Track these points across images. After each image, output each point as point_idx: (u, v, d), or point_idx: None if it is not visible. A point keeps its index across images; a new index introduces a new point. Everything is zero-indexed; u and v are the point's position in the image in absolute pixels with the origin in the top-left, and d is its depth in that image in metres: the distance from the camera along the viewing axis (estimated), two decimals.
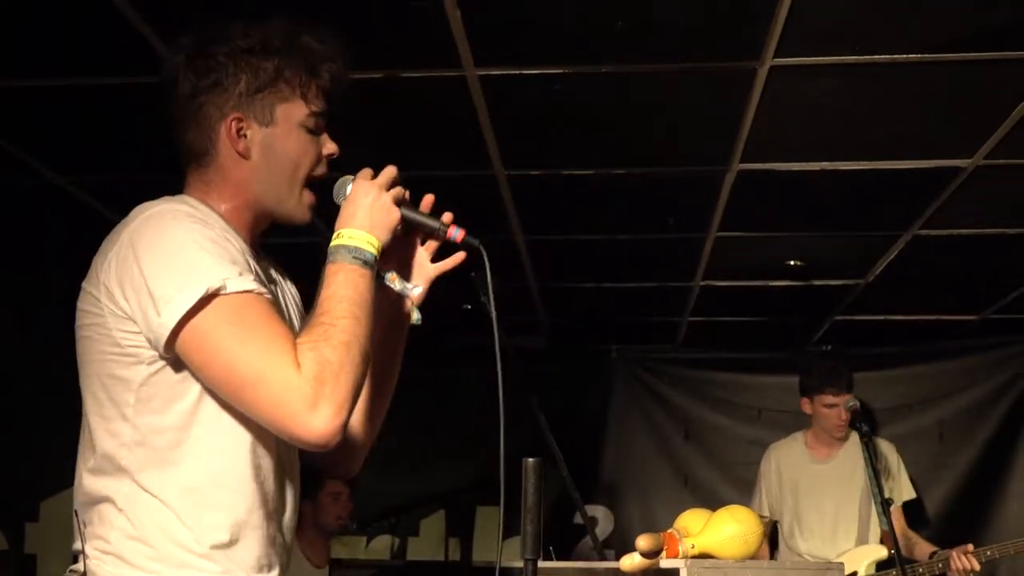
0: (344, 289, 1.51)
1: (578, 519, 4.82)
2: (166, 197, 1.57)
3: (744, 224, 3.86)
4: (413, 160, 3.28)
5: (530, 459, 1.36)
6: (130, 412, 1.51)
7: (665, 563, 2.13)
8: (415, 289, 1.74)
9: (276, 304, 1.58)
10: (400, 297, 1.74)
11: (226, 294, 1.44)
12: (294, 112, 1.60)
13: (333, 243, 1.56)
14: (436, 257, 1.78)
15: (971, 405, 5.23)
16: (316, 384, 1.41)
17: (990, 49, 2.56)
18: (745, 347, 5.54)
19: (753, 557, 2.25)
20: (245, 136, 1.58)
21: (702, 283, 4.58)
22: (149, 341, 1.47)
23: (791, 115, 2.95)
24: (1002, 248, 4.03)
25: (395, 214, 1.62)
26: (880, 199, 3.57)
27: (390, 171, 1.66)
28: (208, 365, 1.45)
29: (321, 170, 1.65)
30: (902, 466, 4.25)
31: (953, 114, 2.94)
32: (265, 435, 1.55)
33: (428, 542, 5.47)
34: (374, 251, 1.56)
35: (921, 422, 5.12)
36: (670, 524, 2.31)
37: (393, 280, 1.70)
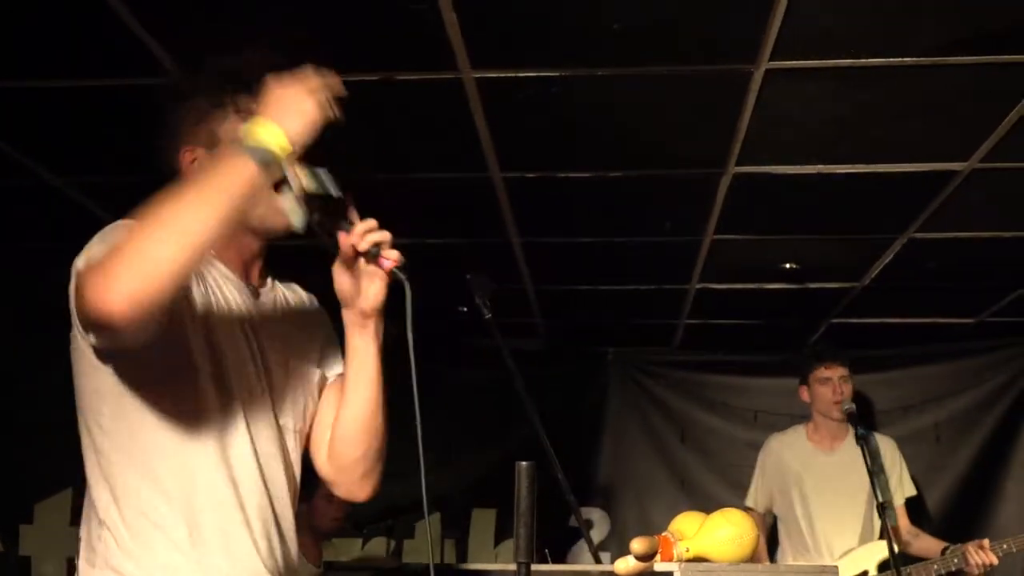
0: (200, 174, 1.52)
1: (574, 522, 4.83)
2: None
3: (740, 227, 3.86)
4: (410, 163, 3.31)
5: (523, 463, 1.36)
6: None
7: (659, 566, 2.13)
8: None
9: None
10: (367, 315, 1.73)
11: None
12: (232, 128, 1.65)
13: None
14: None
15: (968, 407, 5.24)
16: (107, 259, 1.40)
17: (985, 53, 2.57)
18: (741, 350, 5.55)
19: (750, 559, 2.25)
20: (196, 162, 1.69)
21: (698, 286, 4.58)
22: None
23: (787, 118, 2.96)
24: (998, 251, 4.04)
25: (309, 110, 1.52)
26: (876, 202, 3.58)
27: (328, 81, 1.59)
28: None
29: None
30: (903, 463, 4.20)
31: (948, 117, 2.94)
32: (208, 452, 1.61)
33: (423, 544, 5.46)
34: (267, 141, 1.47)
35: (918, 424, 5.12)
36: (666, 527, 2.32)
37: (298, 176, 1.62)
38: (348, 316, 1.75)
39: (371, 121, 3.00)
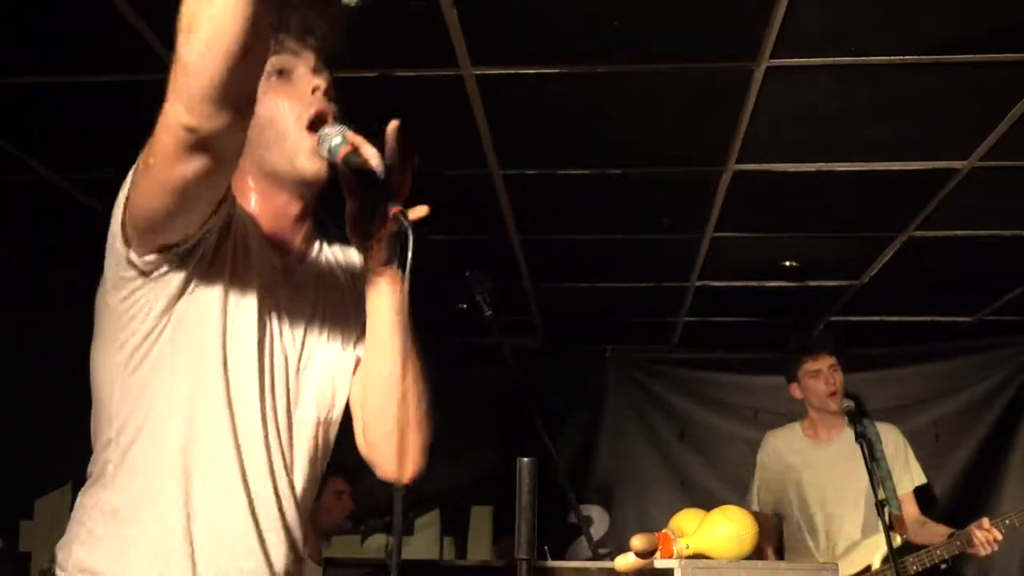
0: None
1: (573, 519, 4.83)
2: None
3: (740, 225, 3.86)
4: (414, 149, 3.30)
5: (524, 459, 1.35)
6: None
7: (660, 563, 2.13)
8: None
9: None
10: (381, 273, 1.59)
11: None
12: None
13: None
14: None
15: (966, 405, 5.24)
16: (170, 89, 1.28)
17: (986, 51, 2.57)
18: (741, 347, 5.55)
19: (760, 555, 2.25)
20: None
21: (698, 283, 4.59)
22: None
23: (787, 116, 2.96)
24: (997, 250, 4.04)
25: None
26: (875, 200, 3.58)
27: None
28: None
29: (315, 107, 1.57)
30: (909, 450, 4.09)
31: (948, 116, 2.95)
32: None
33: (423, 541, 5.47)
34: None
35: (916, 422, 5.11)
36: (666, 524, 2.32)
37: None
38: (367, 275, 1.62)
39: (371, 118, 3.00)
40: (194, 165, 1.32)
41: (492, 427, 5.21)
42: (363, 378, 1.68)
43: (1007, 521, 3.77)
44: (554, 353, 5.66)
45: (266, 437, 1.58)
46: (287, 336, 1.63)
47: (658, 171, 3.39)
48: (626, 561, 2.15)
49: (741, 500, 4.33)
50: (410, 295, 1.48)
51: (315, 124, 1.56)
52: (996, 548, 3.71)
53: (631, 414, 5.64)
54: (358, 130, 1.55)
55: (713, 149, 3.19)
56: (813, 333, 5.18)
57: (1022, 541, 4.79)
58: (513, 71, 2.72)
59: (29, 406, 4.03)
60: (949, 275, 4.42)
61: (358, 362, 1.71)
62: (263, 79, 1.43)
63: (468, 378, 5.33)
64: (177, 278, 1.48)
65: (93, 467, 1.56)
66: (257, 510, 1.56)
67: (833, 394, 3.96)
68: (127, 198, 1.43)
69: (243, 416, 1.55)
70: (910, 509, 4.04)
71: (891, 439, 4.11)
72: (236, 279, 1.55)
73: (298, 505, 1.64)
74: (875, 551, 3.89)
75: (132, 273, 1.46)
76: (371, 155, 1.50)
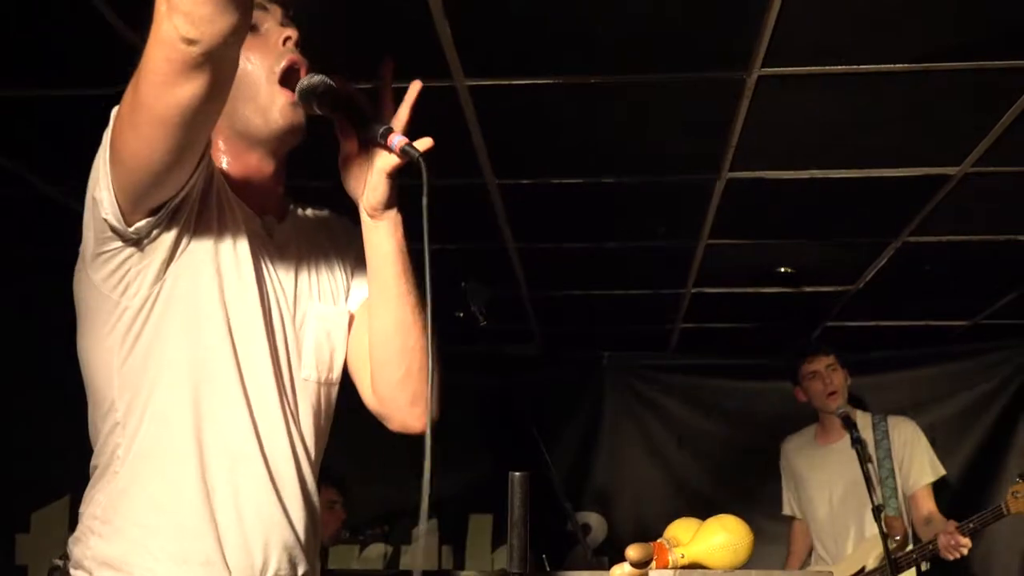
0: None
1: (570, 527, 4.83)
2: None
3: (734, 231, 3.87)
4: (404, 170, 3.31)
5: (516, 473, 1.35)
6: None
7: (655, 573, 2.13)
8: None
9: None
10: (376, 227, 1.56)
11: None
12: None
13: None
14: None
15: (963, 409, 5.25)
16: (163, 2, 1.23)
17: (976, 58, 2.58)
18: (737, 353, 5.55)
19: (744, 565, 2.25)
20: None
21: (693, 290, 4.59)
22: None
23: (780, 124, 2.97)
24: (991, 254, 4.05)
25: None
26: (869, 206, 3.59)
27: None
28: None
29: (287, 58, 1.54)
30: (920, 444, 4.06)
31: (940, 122, 2.95)
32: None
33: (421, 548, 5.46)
34: None
35: None
36: (662, 533, 2.32)
37: None
38: (362, 216, 1.57)
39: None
40: (192, 86, 1.26)
41: (490, 435, 5.20)
42: (368, 329, 1.62)
43: (971, 525, 3.78)
44: (551, 360, 5.66)
45: (279, 395, 1.53)
46: (280, 293, 1.58)
47: (652, 179, 3.39)
48: (622, 571, 2.15)
49: (739, 507, 4.33)
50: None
51: (287, 76, 1.54)
52: (964, 553, 3.71)
53: (628, 421, 5.64)
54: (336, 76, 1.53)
55: (706, 157, 3.19)
56: (810, 338, 5.20)
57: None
58: (506, 82, 2.72)
59: (25, 419, 4.02)
60: (944, 280, 4.43)
61: (351, 319, 1.68)
62: None
63: (465, 386, 5.33)
64: (167, 240, 1.43)
65: (99, 459, 1.49)
66: (276, 478, 1.51)
67: (832, 394, 3.96)
68: (110, 163, 1.36)
69: (253, 376, 1.50)
70: (924, 504, 4.00)
71: (906, 433, 4.07)
72: (225, 236, 1.50)
73: (313, 470, 1.59)
74: (871, 552, 3.89)
75: (119, 244, 1.41)
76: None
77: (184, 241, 1.45)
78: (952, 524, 3.76)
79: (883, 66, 2.61)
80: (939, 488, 5.05)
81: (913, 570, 3.85)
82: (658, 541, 2.24)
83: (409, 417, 1.60)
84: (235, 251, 1.51)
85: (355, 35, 2.50)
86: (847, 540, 4.01)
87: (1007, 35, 2.48)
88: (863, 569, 3.86)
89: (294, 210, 1.69)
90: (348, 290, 1.70)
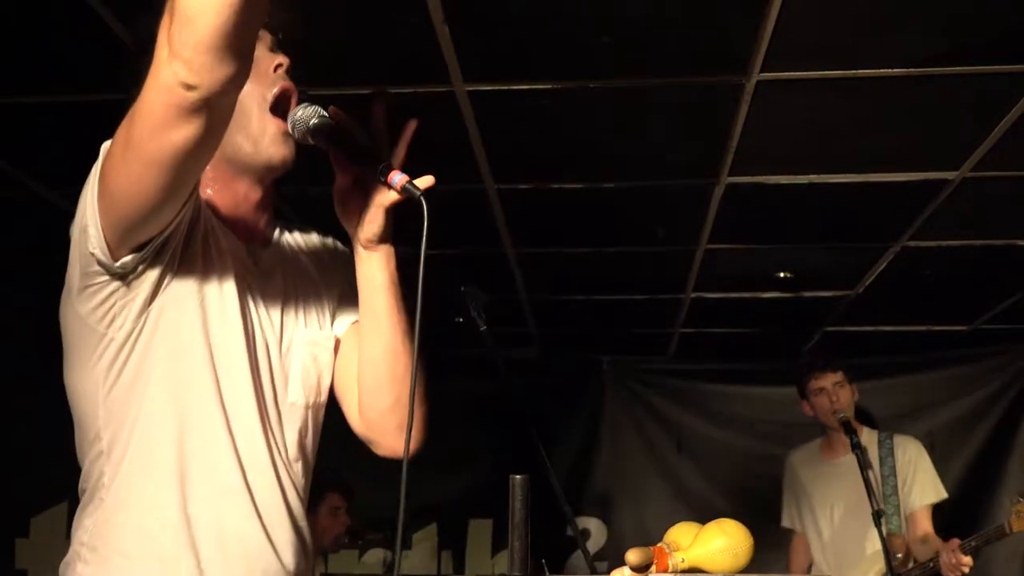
0: None
1: (570, 532, 4.83)
2: None
3: (734, 236, 3.87)
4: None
5: (516, 476, 1.35)
6: None
7: None
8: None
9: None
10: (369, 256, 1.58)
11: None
12: None
13: None
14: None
15: (962, 414, 5.24)
16: (164, 44, 1.24)
17: (975, 63, 2.58)
18: (737, 358, 5.55)
19: (744, 569, 2.24)
20: None
21: (693, 295, 4.59)
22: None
23: (779, 129, 2.97)
24: (990, 259, 4.05)
25: None
26: (868, 211, 3.59)
27: None
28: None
29: (279, 85, 1.54)
30: (923, 465, 4.02)
31: (939, 127, 2.96)
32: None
33: (420, 555, 5.46)
34: None
35: (912, 432, 5.09)
36: (661, 537, 2.32)
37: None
38: (355, 247, 1.59)
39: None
40: (188, 130, 1.27)
41: (489, 440, 5.20)
42: (358, 355, 1.64)
43: (973, 543, 3.76)
44: (551, 365, 5.66)
45: (262, 425, 1.54)
46: (266, 321, 1.60)
47: (651, 184, 3.40)
48: None
49: (739, 511, 4.31)
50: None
51: (279, 104, 1.54)
52: (964, 572, 3.70)
53: (628, 425, 5.64)
54: (331, 107, 1.53)
55: (705, 162, 3.20)
56: (809, 344, 5.20)
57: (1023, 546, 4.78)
58: (505, 87, 2.73)
59: (24, 425, 4.03)
60: (943, 284, 4.43)
61: (337, 342, 1.70)
62: None
63: (465, 391, 5.32)
64: (152, 275, 1.44)
65: (85, 484, 1.52)
66: (260, 505, 1.52)
67: (836, 412, 3.94)
68: (99, 198, 1.37)
69: (235, 407, 1.51)
70: (922, 523, 3.98)
71: (911, 451, 4.03)
72: (210, 268, 1.51)
73: (300, 496, 1.60)
74: (874, 565, 3.88)
75: (105, 278, 1.42)
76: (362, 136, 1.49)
77: (169, 276, 1.47)
78: (954, 542, 3.74)
79: (882, 71, 2.62)
80: None
81: None
82: (658, 545, 2.24)
83: (397, 443, 1.61)
84: (220, 283, 1.52)
85: (356, 41, 2.50)
86: (849, 556, 4.00)
87: (1005, 40, 2.49)
88: None
89: (280, 234, 1.70)
90: (334, 313, 1.71)
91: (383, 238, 1.57)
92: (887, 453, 4.04)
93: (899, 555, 3.83)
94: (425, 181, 1.47)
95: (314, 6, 2.34)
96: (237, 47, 1.23)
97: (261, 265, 1.61)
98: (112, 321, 1.44)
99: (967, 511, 4.99)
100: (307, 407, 1.64)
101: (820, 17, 2.40)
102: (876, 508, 3.38)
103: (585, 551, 3.71)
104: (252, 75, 1.45)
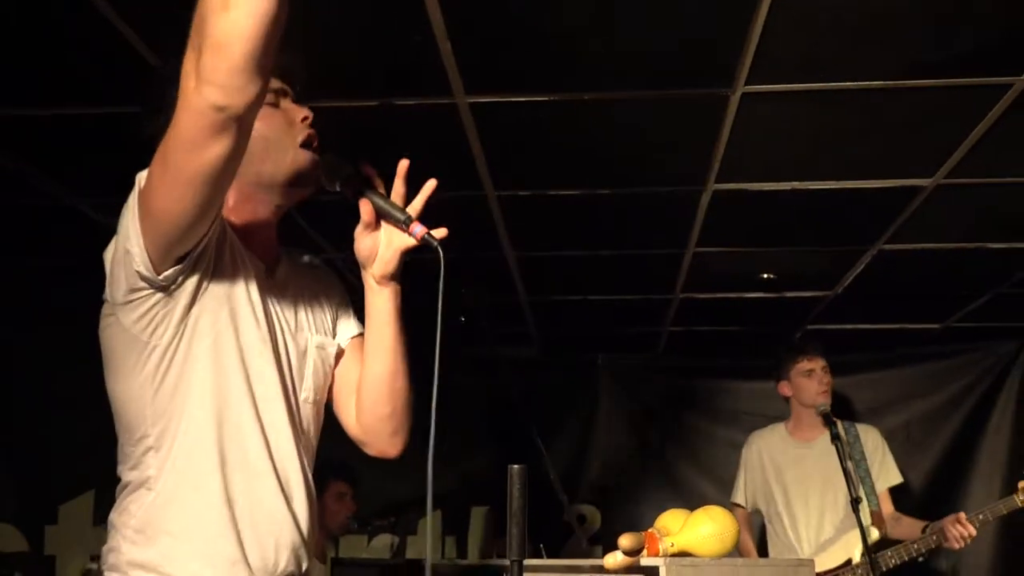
0: None
1: (567, 518, 4.82)
2: None
3: (720, 240, 3.86)
4: (409, 182, 3.30)
5: (515, 466, 1.35)
6: None
7: (646, 561, 2.12)
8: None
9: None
10: (378, 287, 1.70)
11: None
12: None
13: None
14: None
15: (935, 408, 5.24)
16: (191, 65, 1.31)
17: (949, 76, 2.58)
18: (723, 354, 5.54)
19: (743, 548, 2.23)
20: None
21: (681, 295, 4.58)
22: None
23: (762, 138, 2.96)
24: (962, 261, 4.04)
25: None
26: (847, 216, 3.58)
27: None
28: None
29: (305, 133, 1.64)
30: (887, 450, 4.06)
31: (914, 137, 2.95)
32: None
33: (425, 540, 5.45)
34: None
35: (889, 424, 5.11)
36: (652, 523, 2.31)
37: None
38: (365, 278, 1.71)
39: (373, 143, 3.00)
40: (221, 146, 1.35)
41: (491, 432, 5.19)
42: (360, 370, 1.77)
43: (981, 516, 3.74)
44: (549, 362, 5.65)
45: (288, 418, 1.66)
46: (286, 326, 1.71)
47: (643, 191, 3.39)
48: (614, 559, 2.14)
49: (725, 499, 4.31)
50: (413, 310, 1.57)
51: (307, 145, 1.64)
52: (969, 543, 3.69)
53: (621, 418, 5.64)
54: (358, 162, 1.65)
55: (694, 170, 3.19)
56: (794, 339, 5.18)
57: (991, 533, 4.77)
58: (505, 99, 2.72)
59: (52, 417, 4.02)
60: (917, 285, 4.42)
61: (339, 351, 1.83)
62: None
63: (468, 386, 5.32)
64: (190, 285, 1.53)
65: (130, 476, 1.59)
66: (286, 488, 1.64)
67: (824, 392, 3.94)
68: (141, 220, 1.45)
69: (264, 403, 1.62)
70: (886, 506, 4.01)
71: (869, 440, 4.08)
72: (237, 279, 1.61)
73: (311, 478, 1.72)
74: (856, 545, 3.86)
75: (149, 291, 1.50)
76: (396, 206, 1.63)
77: (204, 285, 1.56)
78: (961, 515, 3.74)
79: (860, 83, 2.61)
80: (914, 477, 5.06)
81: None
82: (649, 531, 2.23)
83: (388, 446, 1.78)
84: (247, 292, 1.62)
85: (366, 56, 2.50)
86: (822, 534, 3.99)
87: (976, 57, 2.48)
88: (849, 562, 3.84)
89: (286, 255, 1.81)
90: (334, 322, 1.84)
91: (395, 276, 1.69)
92: (854, 439, 4.05)
93: (881, 532, 3.84)
94: (440, 232, 1.61)
95: (328, 24, 2.34)
96: (264, 66, 1.31)
97: (276, 278, 1.72)
98: (155, 329, 1.53)
99: (941, 494, 5.00)
100: (316, 403, 1.76)
101: (801, 34, 2.39)
102: (854, 496, 3.37)
103: (581, 536, 3.70)
104: (282, 122, 1.63)
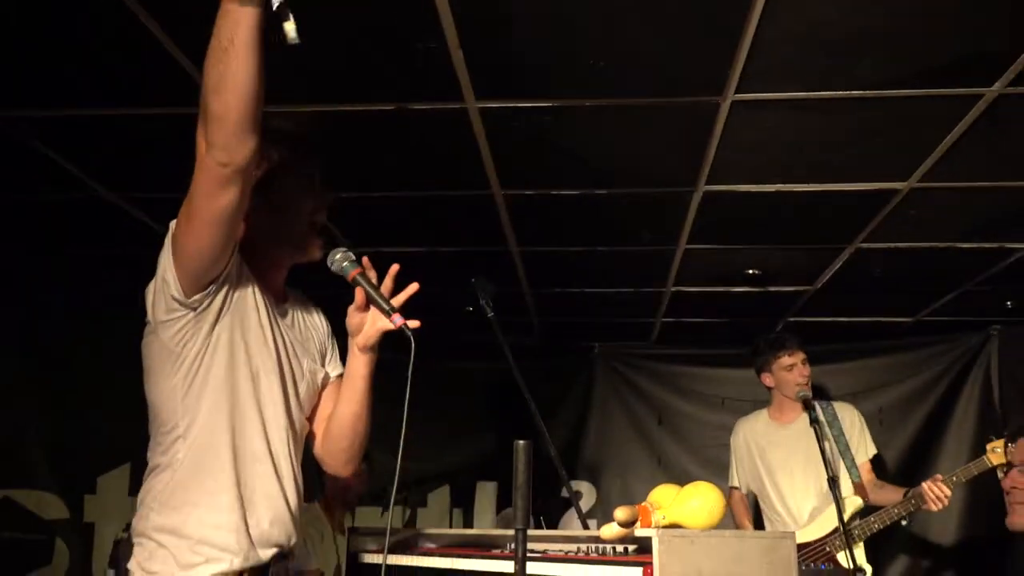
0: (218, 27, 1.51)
1: (565, 493, 4.83)
2: None
3: (709, 238, 3.86)
4: (423, 182, 3.30)
5: (520, 441, 1.36)
6: None
7: (639, 532, 2.13)
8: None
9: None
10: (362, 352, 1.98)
11: None
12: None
13: None
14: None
15: (908, 394, 5.24)
16: (200, 136, 1.59)
17: (923, 87, 2.57)
18: (710, 344, 5.54)
19: (718, 525, 2.24)
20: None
21: (673, 288, 4.58)
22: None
23: (750, 143, 2.96)
24: (934, 259, 4.03)
25: None
26: (828, 216, 3.58)
27: None
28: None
29: (320, 220, 1.99)
30: (864, 425, 4.10)
31: (890, 143, 2.94)
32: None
33: (435, 513, 5.46)
34: None
35: (864, 409, 5.07)
36: (646, 497, 2.31)
37: None
38: (351, 344, 1.98)
39: (388, 146, 3.00)
40: (229, 195, 1.62)
41: (496, 413, 5.20)
42: (332, 408, 2.05)
43: (954, 478, 3.74)
44: (549, 350, 5.65)
45: (287, 418, 1.95)
46: (289, 348, 1.99)
47: (638, 191, 3.38)
48: (610, 530, 2.14)
49: (712, 476, 4.31)
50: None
51: (315, 225, 1.96)
52: (946, 503, 3.69)
53: (615, 402, 5.64)
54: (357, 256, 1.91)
55: (685, 172, 3.18)
56: (775, 331, 5.17)
57: (960, 495, 4.73)
58: (512, 104, 2.72)
59: (92, 394, 4.03)
60: (892, 282, 4.41)
61: (326, 378, 2.11)
62: (294, 179, 1.92)
63: (475, 371, 5.33)
64: (215, 307, 1.79)
65: (159, 460, 1.83)
66: (279, 472, 1.91)
67: (804, 383, 3.95)
68: (174, 256, 1.71)
69: (267, 404, 1.90)
70: (867, 475, 4.02)
71: (847, 416, 4.11)
72: (250, 303, 1.87)
73: (299, 464, 2.00)
74: (834, 518, 3.86)
75: (182, 312, 1.76)
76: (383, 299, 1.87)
77: (226, 308, 1.82)
78: (937, 477, 3.73)
79: (840, 93, 2.61)
80: (889, 457, 5.06)
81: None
82: (642, 504, 2.24)
83: (342, 469, 2.09)
84: (259, 317, 1.89)
85: (381, 63, 2.49)
86: (805, 507, 4.00)
87: (950, 69, 2.47)
88: (837, 530, 3.83)
89: (291, 294, 2.09)
90: (323, 354, 2.13)
91: (373, 348, 1.98)
92: (832, 418, 4.07)
93: (861, 500, 3.85)
94: (414, 323, 1.84)
95: (347, 33, 2.33)
96: (252, 127, 1.57)
97: (282, 310, 2.01)
98: (186, 343, 1.78)
99: (911, 473, 4.99)
100: (305, 410, 2.06)
101: (787, 47, 2.39)
102: (831, 475, 3.37)
103: (579, 509, 3.71)
104: (306, 200, 1.95)
